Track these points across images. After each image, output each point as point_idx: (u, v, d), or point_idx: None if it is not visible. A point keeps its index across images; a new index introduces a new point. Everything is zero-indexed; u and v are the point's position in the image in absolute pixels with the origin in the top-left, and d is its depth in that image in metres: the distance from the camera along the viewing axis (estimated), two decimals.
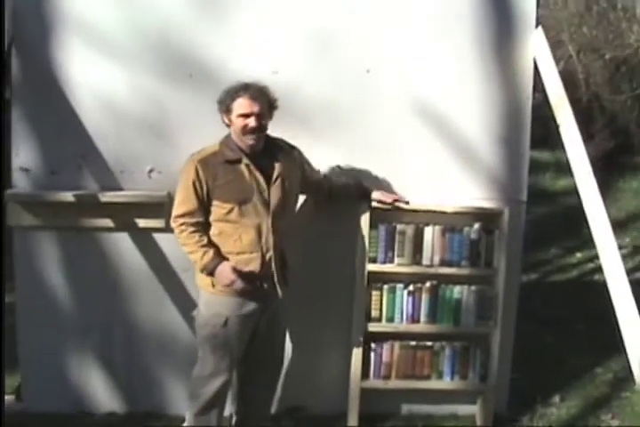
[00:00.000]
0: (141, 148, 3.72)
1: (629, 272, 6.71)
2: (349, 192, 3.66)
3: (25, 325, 3.84)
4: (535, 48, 3.73)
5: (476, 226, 3.73)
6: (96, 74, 3.66)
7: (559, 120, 3.66)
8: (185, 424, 3.54)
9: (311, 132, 3.65)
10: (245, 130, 3.22)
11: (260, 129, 3.25)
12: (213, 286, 3.31)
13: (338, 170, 3.73)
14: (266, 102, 3.25)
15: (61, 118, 3.69)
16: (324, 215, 3.71)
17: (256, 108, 3.21)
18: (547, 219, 8.26)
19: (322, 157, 3.65)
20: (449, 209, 3.71)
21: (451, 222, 3.73)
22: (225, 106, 3.25)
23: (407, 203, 3.69)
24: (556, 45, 11.59)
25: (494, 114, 3.77)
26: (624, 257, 7.12)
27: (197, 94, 3.65)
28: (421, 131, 3.76)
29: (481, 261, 3.76)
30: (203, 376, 3.42)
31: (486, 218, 3.76)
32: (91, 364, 3.89)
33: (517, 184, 3.85)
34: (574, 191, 3.72)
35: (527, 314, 5.44)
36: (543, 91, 3.84)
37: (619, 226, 8.40)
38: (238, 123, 3.22)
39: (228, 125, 3.29)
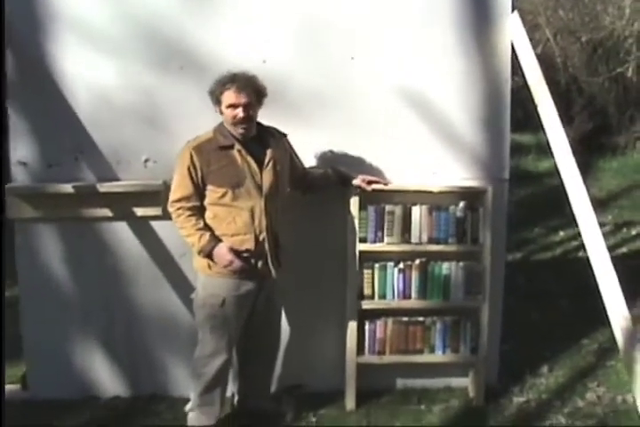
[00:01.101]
0: (136, 138, 3.81)
1: (612, 248, 6.94)
2: (330, 181, 3.76)
3: (28, 314, 3.93)
4: (512, 32, 3.85)
5: (462, 204, 3.84)
6: (90, 67, 3.73)
7: (537, 101, 3.77)
8: (189, 404, 3.65)
9: (300, 118, 3.75)
10: (235, 120, 3.34)
11: (249, 119, 3.36)
12: (210, 267, 3.42)
13: (330, 154, 3.84)
14: (253, 92, 3.35)
15: (57, 112, 3.77)
16: (316, 198, 3.81)
17: (243, 100, 3.32)
18: (530, 199, 8.40)
19: (310, 142, 3.77)
20: (435, 189, 3.83)
21: (437, 202, 3.84)
22: (215, 97, 3.37)
23: (386, 184, 3.79)
24: (533, 29, 11.72)
25: (475, 97, 3.89)
26: (606, 234, 7.35)
27: (189, 85, 3.74)
28: (406, 115, 3.87)
29: (467, 237, 3.87)
30: (204, 356, 3.53)
31: (471, 196, 3.88)
32: (94, 350, 3.99)
33: (499, 163, 3.97)
34: (556, 172, 3.82)
35: (513, 291, 5.61)
36: (523, 74, 3.95)
37: (600, 205, 8.55)
38: (228, 113, 3.34)
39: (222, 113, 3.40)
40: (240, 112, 3.32)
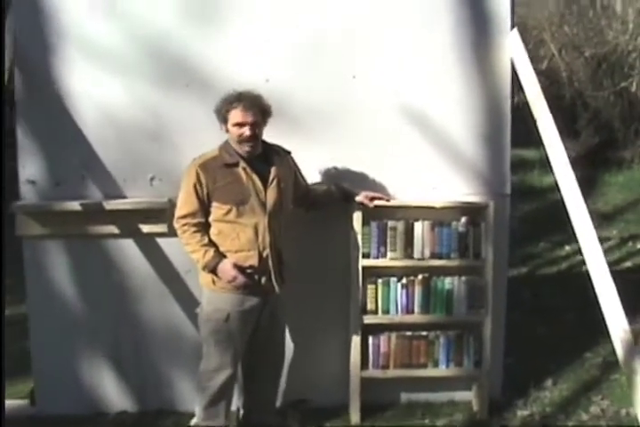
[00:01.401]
0: (142, 157, 3.88)
1: (617, 262, 6.96)
2: (333, 198, 3.80)
3: (37, 330, 3.98)
4: (512, 49, 3.91)
5: (464, 219, 3.88)
6: (96, 86, 3.81)
7: (536, 116, 3.81)
8: (194, 419, 3.68)
9: (302, 135, 3.80)
10: (241, 138, 3.40)
11: (255, 137, 3.42)
12: (214, 283, 3.47)
13: (332, 171, 3.90)
14: (259, 111, 3.41)
15: (64, 131, 3.84)
16: (319, 214, 3.86)
17: (250, 118, 3.38)
18: (535, 214, 8.43)
19: (313, 159, 3.83)
20: (437, 204, 3.87)
21: (439, 217, 3.88)
22: (221, 116, 3.43)
23: (388, 200, 3.85)
24: (538, 45, 11.82)
25: (476, 113, 3.95)
26: (611, 248, 7.38)
27: (194, 103, 3.81)
28: (407, 131, 3.92)
29: (469, 252, 3.91)
30: (208, 370, 3.56)
31: (473, 211, 3.92)
32: (101, 365, 4.03)
33: (501, 179, 4.01)
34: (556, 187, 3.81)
35: (519, 305, 5.64)
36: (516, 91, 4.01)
37: (606, 219, 8.59)
38: (234, 132, 3.40)
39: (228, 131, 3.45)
40: (246, 131, 3.38)
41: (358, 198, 3.79)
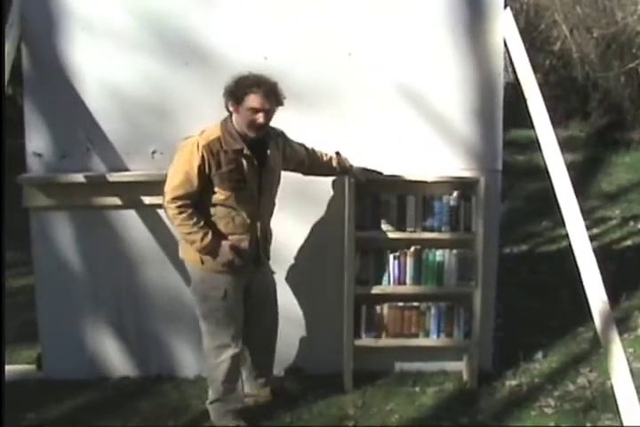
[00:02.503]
0: (144, 131, 4.00)
1: (617, 241, 7.02)
2: (331, 170, 3.89)
3: (43, 298, 4.13)
4: (504, 28, 3.98)
5: (455, 194, 3.98)
6: (100, 62, 3.93)
7: (527, 96, 3.88)
8: (211, 395, 3.69)
9: (299, 112, 3.87)
10: (253, 124, 3.37)
11: (267, 125, 3.42)
12: (203, 262, 3.48)
13: (328, 146, 3.94)
14: (275, 100, 3.39)
15: (70, 106, 3.96)
16: (314, 188, 3.99)
17: (267, 106, 3.34)
18: (540, 194, 8.46)
19: (308, 134, 3.89)
20: (429, 179, 3.97)
21: (431, 191, 3.99)
22: (236, 97, 3.36)
23: (380, 173, 3.94)
24: (551, 25, 11.79)
25: (469, 90, 4.04)
26: (613, 227, 7.45)
27: (194, 79, 3.93)
28: (401, 108, 4.02)
29: (460, 226, 4.01)
30: (214, 348, 3.60)
31: (464, 186, 4.02)
32: (104, 332, 4.18)
33: (493, 154, 4.11)
34: (567, 167, 3.78)
35: (516, 281, 5.75)
36: (514, 70, 4.06)
37: (609, 199, 8.66)
38: (247, 116, 3.35)
39: (230, 111, 3.43)
40: (261, 117, 3.35)
41: (353, 175, 3.88)
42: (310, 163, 3.82)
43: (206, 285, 3.53)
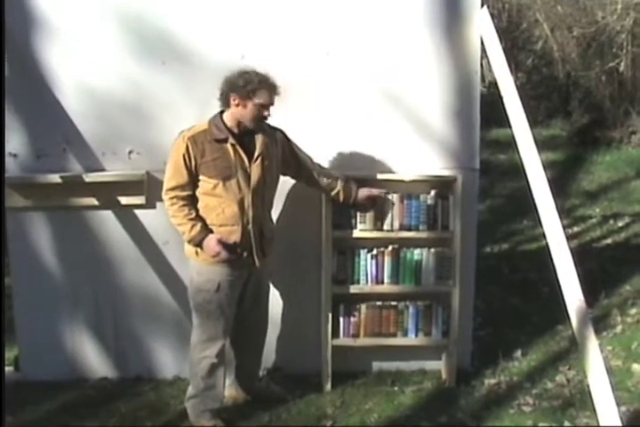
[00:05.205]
0: (121, 131, 3.98)
1: (597, 240, 7.05)
2: (333, 194, 3.85)
3: (20, 299, 4.10)
4: (481, 27, 3.98)
5: (432, 193, 3.99)
6: (77, 62, 3.90)
7: (502, 93, 3.88)
8: (190, 390, 3.71)
9: (276, 111, 3.75)
10: (258, 118, 3.48)
11: (267, 118, 3.54)
12: (198, 254, 3.54)
13: (306, 147, 3.90)
14: (276, 96, 3.52)
15: (46, 106, 3.94)
16: (290, 187, 3.99)
17: (273, 102, 3.49)
18: (521, 193, 8.48)
19: (287, 133, 3.84)
20: (407, 178, 3.98)
21: (408, 190, 3.98)
22: (245, 91, 3.42)
23: (387, 193, 3.96)
24: (533, 25, 11.83)
25: (446, 88, 4.04)
26: (593, 226, 7.48)
27: (171, 79, 3.91)
28: (379, 107, 4.02)
29: (438, 224, 4.01)
30: (201, 341, 3.63)
31: (441, 185, 4.02)
32: (83, 334, 4.17)
33: (470, 153, 4.11)
34: (548, 166, 3.83)
35: (497, 280, 5.76)
36: (491, 69, 4.07)
37: (590, 197, 8.69)
38: (254, 110, 3.45)
39: (227, 105, 3.48)
40: (267, 112, 3.49)
41: (360, 196, 3.88)
42: (311, 175, 3.81)
43: (201, 277, 3.59)
